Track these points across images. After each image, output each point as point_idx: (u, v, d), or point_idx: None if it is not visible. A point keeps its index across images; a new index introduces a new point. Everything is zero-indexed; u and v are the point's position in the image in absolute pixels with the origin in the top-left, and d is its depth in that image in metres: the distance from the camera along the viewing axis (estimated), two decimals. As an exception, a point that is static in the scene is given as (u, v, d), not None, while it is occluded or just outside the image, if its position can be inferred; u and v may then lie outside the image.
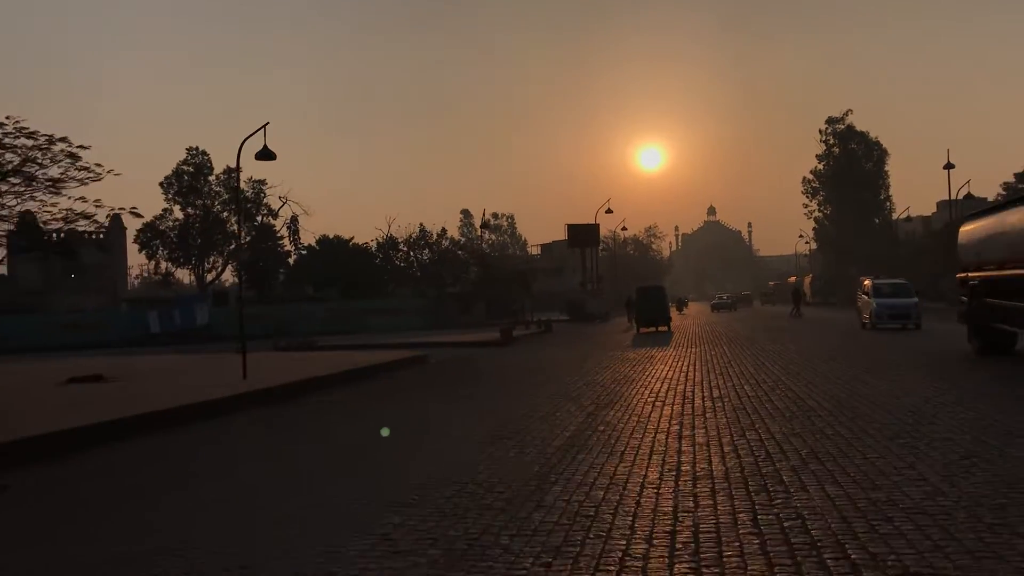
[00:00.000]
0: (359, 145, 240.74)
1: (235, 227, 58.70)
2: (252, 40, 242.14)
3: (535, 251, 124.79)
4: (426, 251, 74.68)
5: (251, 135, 32.82)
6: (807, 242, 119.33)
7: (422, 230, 74.04)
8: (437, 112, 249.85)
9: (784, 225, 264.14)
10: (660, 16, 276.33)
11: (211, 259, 58.52)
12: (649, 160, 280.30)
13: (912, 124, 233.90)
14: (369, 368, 21.73)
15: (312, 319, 55.50)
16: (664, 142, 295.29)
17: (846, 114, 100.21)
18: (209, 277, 61.14)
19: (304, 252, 63.80)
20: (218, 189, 58.17)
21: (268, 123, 32.60)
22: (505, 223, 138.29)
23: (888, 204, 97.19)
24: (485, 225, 58.95)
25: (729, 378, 15.95)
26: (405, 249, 73.82)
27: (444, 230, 74.75)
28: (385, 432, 10.79)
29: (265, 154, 33.32)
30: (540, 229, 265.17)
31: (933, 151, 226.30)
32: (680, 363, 20.00)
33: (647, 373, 17.73)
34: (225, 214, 58.51)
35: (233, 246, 59.53)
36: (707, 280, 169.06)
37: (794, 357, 20.29)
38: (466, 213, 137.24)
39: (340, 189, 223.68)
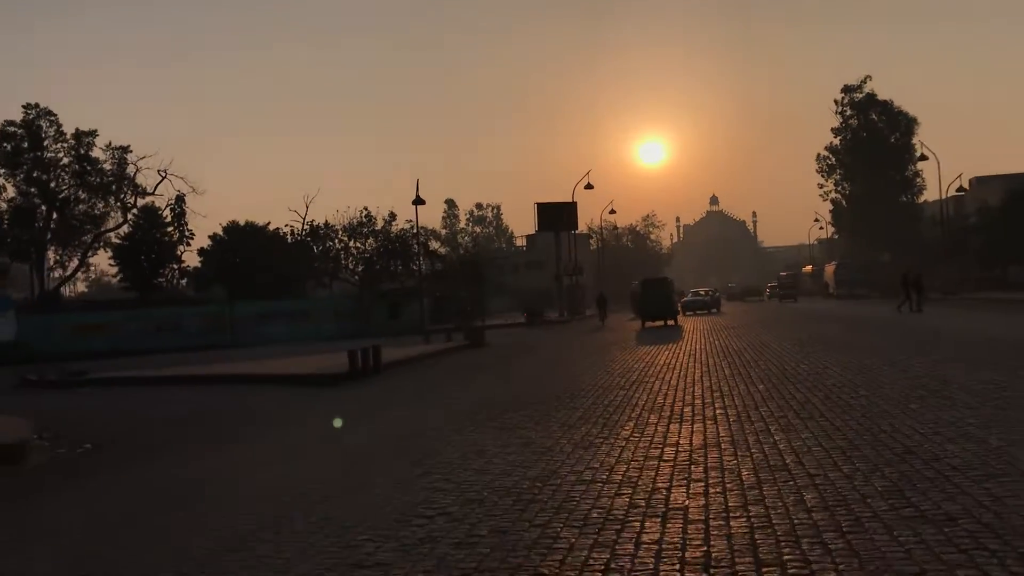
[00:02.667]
0: (331, 129, 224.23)
1: (96, 210, 42.60)
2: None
3: (522, 243, 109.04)
4: (369, 240, 58.73)
5: None
6: (822, 227, 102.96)
7: (366, 214, 58.06)
8: (424, 100, 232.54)
9: (790, 215, 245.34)
10: (657, 2, 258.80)
11: (57, 251, 42.68)
12: (648, 150, 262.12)
13: (931, 97, 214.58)
14: None
15: (181, 330, 39.59)
16: (663, 131, 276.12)
17: (864, 81, 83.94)
18: (57, 274, 45.20)
19: (190, 240, 47.70)
20: (66, 160, 42.15)
21: None
22: (490, 214, 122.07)
23: (918, 181, 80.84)
24: (418, 200, 42.59)
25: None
26: (344, 238, 57.87)
27: (393, 214, 58.54)
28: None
29: None
30: (531, 221, 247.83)
31: (957, 125, 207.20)
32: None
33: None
34: (82, 192, 42.38)
35: (91, 235, 43.37)
36: (711, 272, 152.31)
37: None
38: (450, 203, 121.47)
39: (306, 179, 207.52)
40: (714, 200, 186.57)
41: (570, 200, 55.50)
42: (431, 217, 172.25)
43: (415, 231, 52.14)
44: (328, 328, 42.18)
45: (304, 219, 50.81)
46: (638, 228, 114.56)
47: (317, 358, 23.84)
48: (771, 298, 78.72)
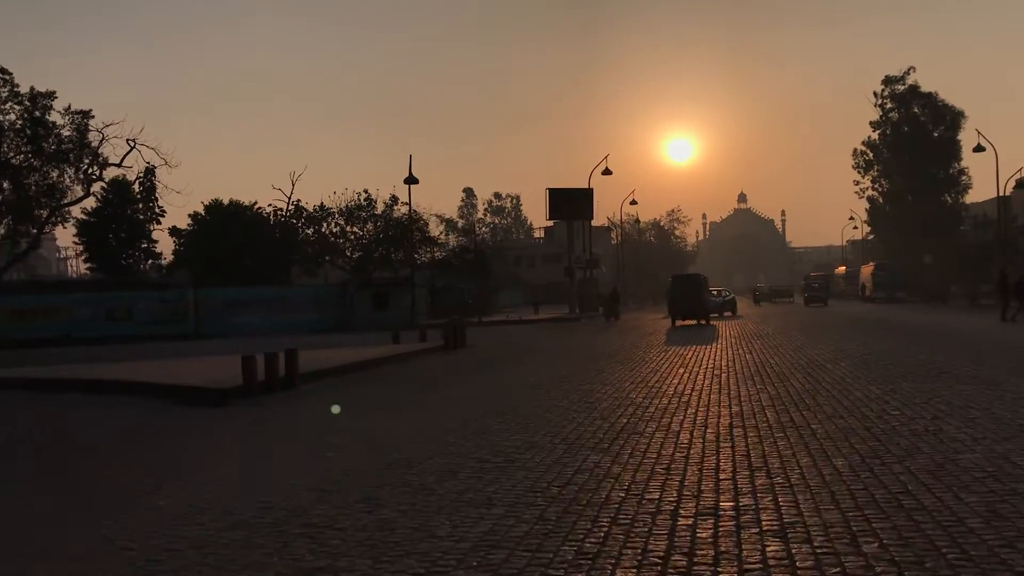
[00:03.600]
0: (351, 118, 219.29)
1: (49, 179, 37.46)
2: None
3: (541, 235, 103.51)
4: (368, 225, 53.70)
5: None
6: (856, 227, 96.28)
7: (366, 197, 53.08)
8: (448, 93, 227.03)
9: (819, 216, 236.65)
10: None
11: (9, 225, 37.59)
12: (676, 148, 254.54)
13: (976, 94, 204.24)
14: None
15: (134, 318, 34.63)
16: (692, 128, 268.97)
17: (907, 72, 77.47)
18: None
19: (161, 218, 42.65)
20: (20, 123, 36.90)
21: None
22: (509, 204, 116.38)
23: (963, 179, 74.44)
24: (410, 179, 37.25)
25: None
26: (341, 221, 52.84)
27: (395, 197, 53.38)
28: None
29: None
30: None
31: (1002, 123, 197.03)
32: None
33: None
34: (35, 160, 37.24)
35: (47, 211, 38.23)
36: (737, 271, 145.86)
37: None
38: (468, 192, 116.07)
39: (301, 162, 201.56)
40: (742, 197, 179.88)
41: (586, 187, 49.80)
42: (448, 206, 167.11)
43: (413, 215, 46.93)
44: (307, 319, 37.11)
45: (290, 198, 45.50)
46: (662, 223, 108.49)
47: (201, 361, 18.58)
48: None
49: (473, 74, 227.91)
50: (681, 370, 14.77)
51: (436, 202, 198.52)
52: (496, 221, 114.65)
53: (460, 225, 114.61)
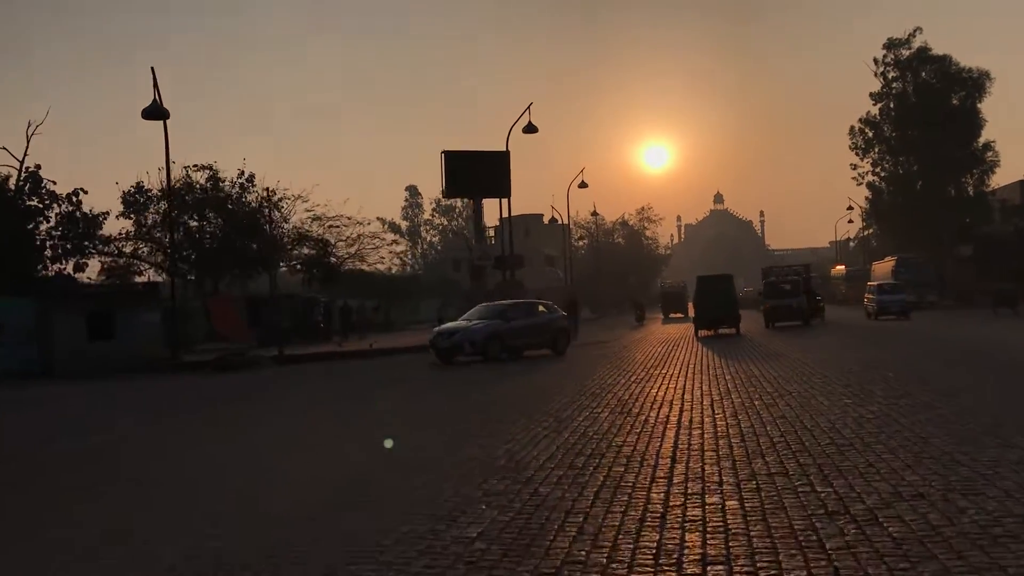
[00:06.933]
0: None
1: None
2: None
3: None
4: (209, 212, 37.47)
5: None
6: (851, 220, 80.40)
7: (211, 175, 37.22)
8: (417, 92, 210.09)
9: (799, 218, 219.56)
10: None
11: None
12: (652, 154, 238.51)
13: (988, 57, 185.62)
14: None
15: None
16: (666, 132, 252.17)
17: (913, 34, 61.47)
18: None
19: None
20: None
21: None
22: (460, 203, 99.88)
23: (989, 155, 58.63)
24: (155, 109, 20.51)
25: None
26: (170, 207, 36.40)
27: (248, 176, 37.51)
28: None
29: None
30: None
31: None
32: None
33: None
34: None
35: None
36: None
37: None
38: (412, 190, 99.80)
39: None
40: (718, 198, 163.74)
41: (503, 149, 33.27)
42: (391, 207, 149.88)
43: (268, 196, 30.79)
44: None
45: (23, 163, 28.55)
46: (631, 222, 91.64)
47: None
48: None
49: (427, 66, 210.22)
50: None
51: (377, 206, 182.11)
52: (445, 222, 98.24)
53: (404, 228, 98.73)
